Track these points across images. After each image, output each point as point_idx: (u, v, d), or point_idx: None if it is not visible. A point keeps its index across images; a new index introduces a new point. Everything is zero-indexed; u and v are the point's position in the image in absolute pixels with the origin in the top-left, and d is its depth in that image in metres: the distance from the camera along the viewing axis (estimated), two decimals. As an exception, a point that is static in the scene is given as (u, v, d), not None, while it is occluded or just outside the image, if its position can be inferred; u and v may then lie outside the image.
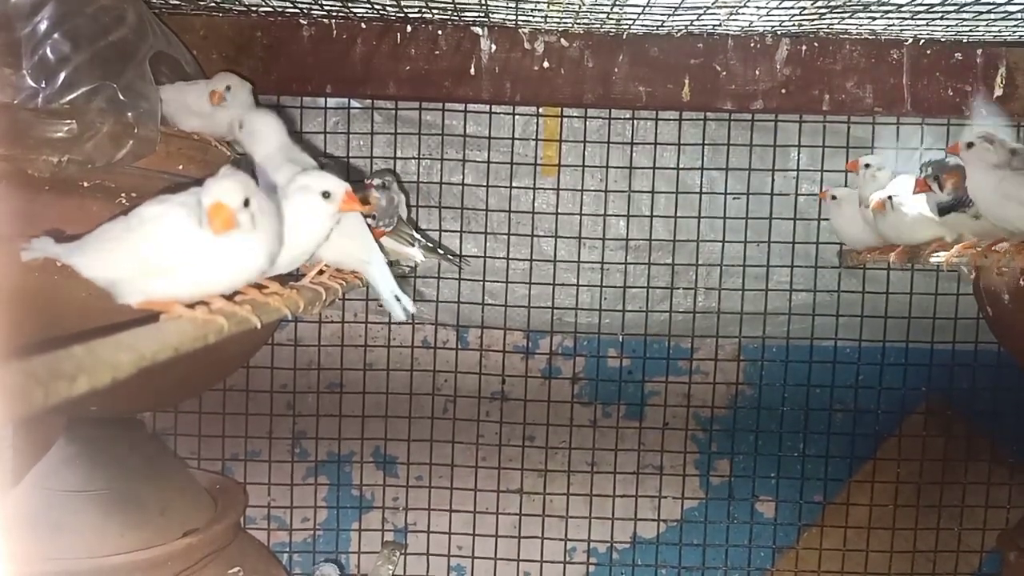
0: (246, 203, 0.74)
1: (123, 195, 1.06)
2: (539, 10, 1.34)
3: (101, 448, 1.25)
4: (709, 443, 1.82)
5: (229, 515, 1.34)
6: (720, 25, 1.41)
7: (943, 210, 1.28)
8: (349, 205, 0.92)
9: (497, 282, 1.76)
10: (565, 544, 1.82)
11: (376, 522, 1.83)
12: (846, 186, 1.67)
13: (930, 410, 1.78)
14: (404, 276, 1.62)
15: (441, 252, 1.43)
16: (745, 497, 1.82)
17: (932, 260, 1.36)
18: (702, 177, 1.74)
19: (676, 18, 1.36)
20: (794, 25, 1.40)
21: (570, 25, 1.45)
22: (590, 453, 1.81)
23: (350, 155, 1.71)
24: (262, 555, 1.44)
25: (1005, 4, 1.21)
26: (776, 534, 1.82)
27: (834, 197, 1.56)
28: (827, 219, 1.64)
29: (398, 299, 1.11)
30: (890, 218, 1.39)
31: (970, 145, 1.27)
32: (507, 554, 1.81)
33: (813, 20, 1.35)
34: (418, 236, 1.41)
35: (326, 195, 0.91)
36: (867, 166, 1.46)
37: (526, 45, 1.48)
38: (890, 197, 1.39)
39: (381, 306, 1.15)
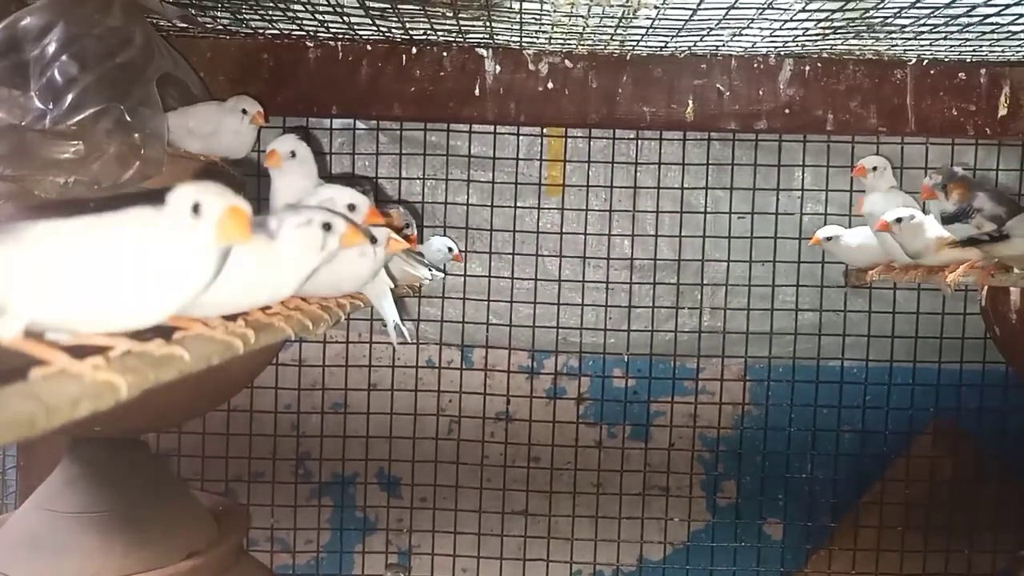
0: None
1: (129, 216, 1.06)
2: (543, 32, 1.35)
3: (104, 469, 1.24)
4: (715, 464, 1.80)
5: (232, 537, 1.33)
6: (723, 46, 1.42)
7: (947, 219, 1.28)
8: (351, 240, 0.78)
9: (502, 302, 1.76)
10: (571, 567, 1.80)
11: (380, 544, 1.81)
12: (850, 206, 1.67)
13: (938, 431, 1.77)
14: (408, 296, 1.62)
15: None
16: (752, 519, 1.80)
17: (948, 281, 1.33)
18: (707, 197, 1.74)
19: (679, 39, 1.37)
20: (797, 46, 1.40)
21: (574, 46, 1.45)
22: (595, 474, 1.79)
23: (355, 176, 1.72)
24: (265, 578, 1.42)
25: (1008, 24, 1.21)
26: (784, 557, 1.80)
27: (828, 238, 1.52)
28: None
29: (397, 325, 1.11)
30: (904, 234, 1.37)
31: None
32: (512, 577, 1.79)
33: (816, 41, 1.36)
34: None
35: (327, 227, 0.77)
36: (875, 168, 1.46)
37: (530, 66, 1.49)
38: (898, 219, 1.37)
39: (386, 326, 1.15)
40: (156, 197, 0.59)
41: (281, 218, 0.77)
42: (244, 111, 1.23)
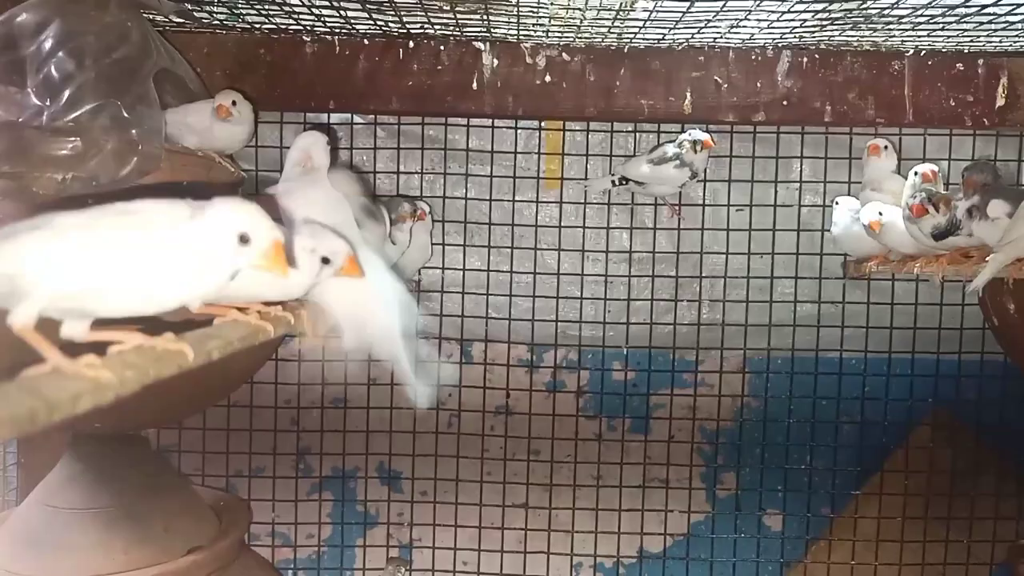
0: None
1: (127, 212, 1.06)
2: (541, 25, 1.35)
3: (105, 465, 1.24)
4: (715, 456, 1.81)
5: (233, 532, 1.33)
6: (721, 38, 1.41)
7: (939, 235, 1.29)
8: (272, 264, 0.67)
9: (501, 296, 1.76)
10: (571, 559, 1.81)
11: (381, 538, 1.82)
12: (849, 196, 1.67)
13: (937, 421, 1.77)
14: (409, 290, 1.62)
15: None
16: (752, 511, 1.81)
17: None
18: (705, 189, 1.74)
19: (677, 32, 1.36)
20: (795, 37, 1.40)
21: (571, 39, 1.45)
22: (595, 467, 1.80)
23: (353, 170, 1.72)
24: (266, 572, 1.43)
25: (1006, 15, 1.21)
26: (784, 548, 1.81)
27: (837, 202, 1.59)
28: (829, 230, 1.64)
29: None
30: (890, 233, 1.40)
31: None
32: (513, 569, 1.79)
33: (814, 32, 1.36)
34: None
35: (244, 239, 0.65)
36: (885, 147, 1.52)
37: (528, 60, 1.49)
38: (880, 213, 1.39)
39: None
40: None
41: (290, 238, 0.79)
42: (235, 102, 1.24)
